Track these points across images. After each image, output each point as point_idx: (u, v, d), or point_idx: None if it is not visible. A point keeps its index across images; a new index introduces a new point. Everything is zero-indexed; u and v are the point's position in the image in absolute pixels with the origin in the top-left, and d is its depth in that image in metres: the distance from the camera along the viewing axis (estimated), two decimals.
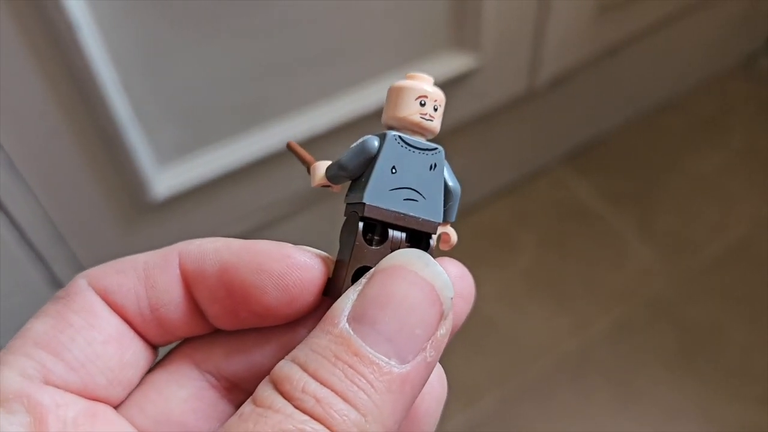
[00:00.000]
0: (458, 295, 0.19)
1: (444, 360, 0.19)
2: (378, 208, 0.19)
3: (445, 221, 0.20)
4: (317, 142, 0.59)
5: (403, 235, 0.19)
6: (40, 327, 0.18)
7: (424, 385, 0.17)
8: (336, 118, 0.59)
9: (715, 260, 0.80)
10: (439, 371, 0.20)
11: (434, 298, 0.17)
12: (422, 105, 0.20)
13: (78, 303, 0.19)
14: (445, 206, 0.20)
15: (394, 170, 0.19)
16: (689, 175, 0.89)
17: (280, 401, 0.16)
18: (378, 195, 0.19)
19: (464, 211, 0.85)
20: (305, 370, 0.16)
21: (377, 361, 0.16)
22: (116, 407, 0.19)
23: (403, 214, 0.19)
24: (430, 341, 0.17)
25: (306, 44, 0.54)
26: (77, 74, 0.46)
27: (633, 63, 0.84)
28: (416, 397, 0.17)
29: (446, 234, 0.20)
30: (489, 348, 0.74)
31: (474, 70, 0.65)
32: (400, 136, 0.19)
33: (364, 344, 0.16)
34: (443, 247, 0.20)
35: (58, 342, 0.18)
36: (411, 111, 0.20)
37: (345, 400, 0.16)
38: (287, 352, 0.17)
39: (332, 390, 0.16)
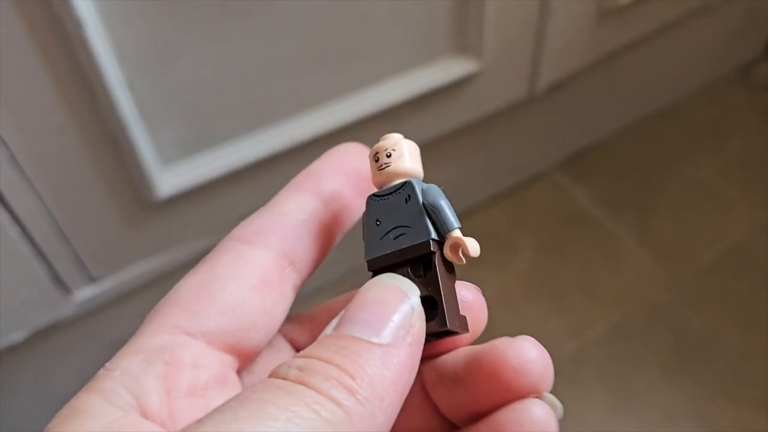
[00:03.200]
0: (472, 314, 0.21)
1: None
2: (375, 258, 0.21)
3: (448, 231, 0.21)
4: (319, 144, 0.60)
5: (408, 267, 0.20)
6: (191, 280, 0.21)
7: (411, 370, 0.18)
8: (339, 120, 0.60)
9: (712, 265, 0.81)
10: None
11: (402, 295, 0.18)
12: (377, 161, 0.21)
13: (224, 255, 0.21)
14: (435, 220, 0.21)
15: (378, 223, 0.21)
16: (686, 181, 0.90)
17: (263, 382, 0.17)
18: (373, 248, 0.21)
19: (463, 214, 0.85)
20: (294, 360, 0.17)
21: (360, 337, 0.17)
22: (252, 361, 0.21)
23: (398, 250, 0.20)
24: (408, 330, 0.18)
25: (310, 46, 0.55)
26: (82, 72, 0.46)
27: (631, 69, 0.85)
28: (407, 382, 0.18)
29: (456, 242, 0.21)
30: None
31: (475, 74, 0.66)
32: (372, 195, 0.21)
33: (347, 331, 0.18)
34: (455, 258, 0.21)
35: (207, 291, 0.20)
36: (373, 171, 0.22)
37: (328, 362, 0.17)
38: None
39: (317, 359, 0.17)
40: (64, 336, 0.61)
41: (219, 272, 0.21)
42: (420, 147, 0.22)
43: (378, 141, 0.22)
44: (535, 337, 0.20)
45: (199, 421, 0.15)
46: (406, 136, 0.22)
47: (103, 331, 0.63)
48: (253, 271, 0.21)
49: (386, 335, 0.17)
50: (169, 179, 0.55)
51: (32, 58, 0.44)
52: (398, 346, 0.17)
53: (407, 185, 0.21)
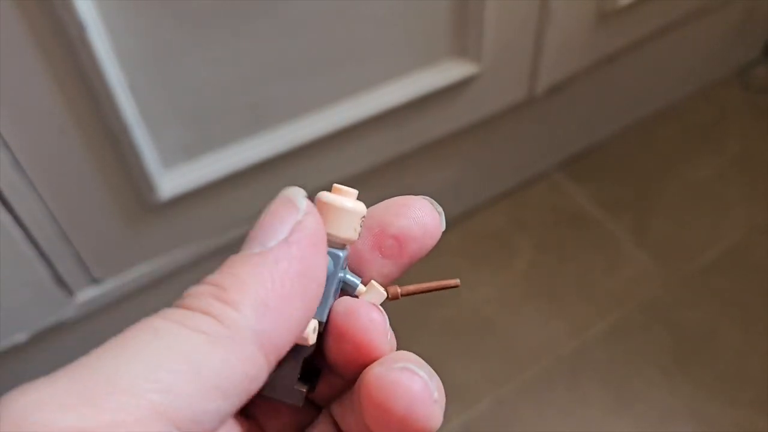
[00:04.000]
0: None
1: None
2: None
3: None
4: (320, 146, 0.60)
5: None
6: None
7: (301, 259, 0.18)
8: (339, 123, 0.60)
9: (710, 266, 0.81)
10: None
11: (286, 199, 0.19)
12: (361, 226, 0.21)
13: None
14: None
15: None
16: (685, 182, 0.90)
17: None
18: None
19: (463, 215, 0.85)
20: None
21: (242, 252, 0.18)
22: None
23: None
24: (292, 228, 0.18)
25: (310, 49, 0.55)
26: (84, 74, 0.46)
27: (630, 71, 0.85)
28: (300, 269, 0.18)
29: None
30: (486, 351, 0.75)
31: (474, 77, 0.66)
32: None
33: (240, 251, 0.18)
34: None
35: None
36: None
37: (208, 283, 0.17)
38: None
39: (197, 284, 0.17)
40: (66, 337, 0.62)
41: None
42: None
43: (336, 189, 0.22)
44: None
45: (67, 365, 0.16)
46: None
47: (105, 332, 0.63)
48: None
49: (268, 243, 0.18)
50: (170, 181, 0.55)
51: (34, 60, 0.45)
52: (278, 248, 0.18)
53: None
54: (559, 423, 0.70)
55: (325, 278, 0.19)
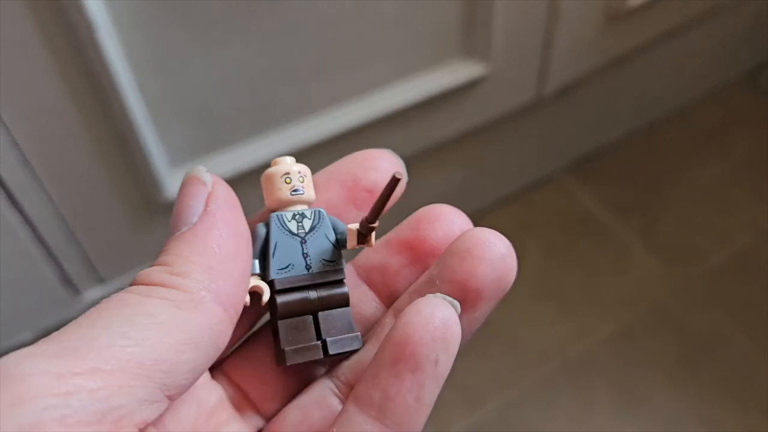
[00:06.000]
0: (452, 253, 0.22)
1: None
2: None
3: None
4: (328, 147, 0.60)
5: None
6: None
7: (226, 221, 0.20)
8: (347, 124, 0.60)
9: (718, 269, 0.81)
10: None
11: (192, 178, 0.21)
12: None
13: None
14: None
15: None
16: (693, 185, 0.90)
17: None
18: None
19: (470, 217, 0.85)
20: None
21: (173, 235, 0.20)
22: None
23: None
24: (206, 200, 0.20)
25: (319, 50, 0.55)
26: (93, 74, 0.47)
27: (639, 73, 0.85)
28: (228, 231, 0.20)
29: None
30: (493, 354, 0.74)
31: (483, 78, 0.66)
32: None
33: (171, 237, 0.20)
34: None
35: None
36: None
37: (150, 265, 0.20)
38: None
39: (145, 269, 0.20)
40: None
41: None
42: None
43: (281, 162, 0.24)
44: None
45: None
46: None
47: None
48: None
49: (194, 219, 0.20)
50: (177, 181, 0.55)
51: (44, 61, 0.45)
52: (201, 220, 0.20)
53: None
54: (565, 426, 0.70)
55: (248, 232, 0.21)
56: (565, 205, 0.88)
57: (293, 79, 0.56)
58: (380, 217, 0.21)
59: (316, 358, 0.22)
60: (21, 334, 0.58)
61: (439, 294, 0.20)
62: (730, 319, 0.76)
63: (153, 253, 0.61)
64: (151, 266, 0.19)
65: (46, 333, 0.52)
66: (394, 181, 0.20)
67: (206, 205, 0.20)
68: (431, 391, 0.19)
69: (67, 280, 0.57)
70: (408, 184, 0.22)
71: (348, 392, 0.22)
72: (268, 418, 0.23)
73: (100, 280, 0.59)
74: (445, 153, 0.72)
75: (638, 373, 0.73)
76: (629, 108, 0.91)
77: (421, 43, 0.61)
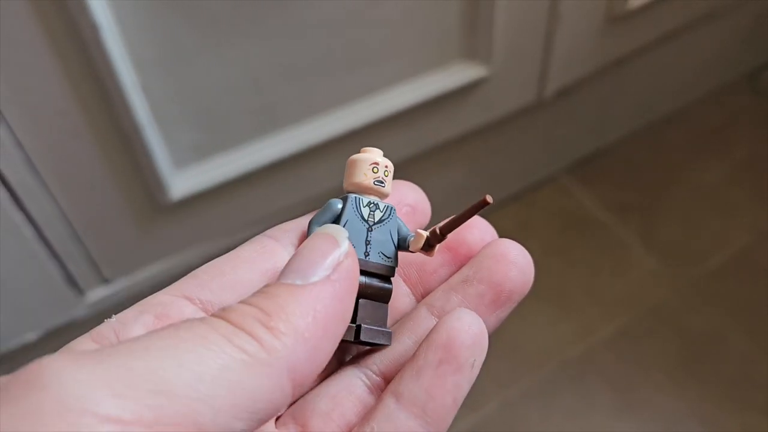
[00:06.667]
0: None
1: None
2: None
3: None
4: (330, 148, 0.60)
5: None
6: (214, 260, 0.23)
7: (336, 303, 0.19)
8: (350, 124, 0.60)
9: (718, 270, 0.81)
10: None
11: (329, 238, 0.19)
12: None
13: (250, 244, 0.23)
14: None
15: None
16: (693, 186, 0.90)
17: None
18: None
19: None
20: None
21: (283, 281, 0.18)
22: None
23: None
24: (333, 267, 0.19)
25: (322, 52, 0.55)
26: (98, 75, 0.47)
27: (639, 75, 0.85)
28: (333, 316, 0.18)
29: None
30: (493, 354, 0.74)
31: (484, 79, 0.66)
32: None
33: (279, 279, 0.19)
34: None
35: (219, 269, 0.22)
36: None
37: (249, 304, 0.18)
38: None
39: (241, 303, 0.18)
40: (76, 336, 0.62)
41: (238, 256, 0.22)
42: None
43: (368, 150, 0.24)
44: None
45: (114, 346, 0.16)
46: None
47: None
48: (269, 260, 0.22)
49: (310, 278, 0.18)
50: (181, 182, 0.56)
51: (48, 62, 0.45)
52: (321, 284, 0.18)
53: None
54: (565, 426, 0.70)
55: (349, 320, 0.19)
56: (566, 205, 0.88)
57: (297, 79, 0.56)
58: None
59: (347, 339, 0.22)
60: (25, 334, 0.58)
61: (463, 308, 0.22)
62: (730, 319, 0.77)
63: (156, 254, 0.61)
64: (247, 302, 0.18)
65: (50, 333, 0.52)
66: (483, 203, 0.21)
67: (332, 270, 0.19)
68: (465, 393, 0.20)
69: (71, 280, 0.57)
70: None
71: (381, 385, 0.22)
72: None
73: (104, 280, 0.59)
74: (447, 154, 0.73)
75: (638, 374, 0.73)
76: (630, 109, 0.91)
77: (423, 45, 0.61)
